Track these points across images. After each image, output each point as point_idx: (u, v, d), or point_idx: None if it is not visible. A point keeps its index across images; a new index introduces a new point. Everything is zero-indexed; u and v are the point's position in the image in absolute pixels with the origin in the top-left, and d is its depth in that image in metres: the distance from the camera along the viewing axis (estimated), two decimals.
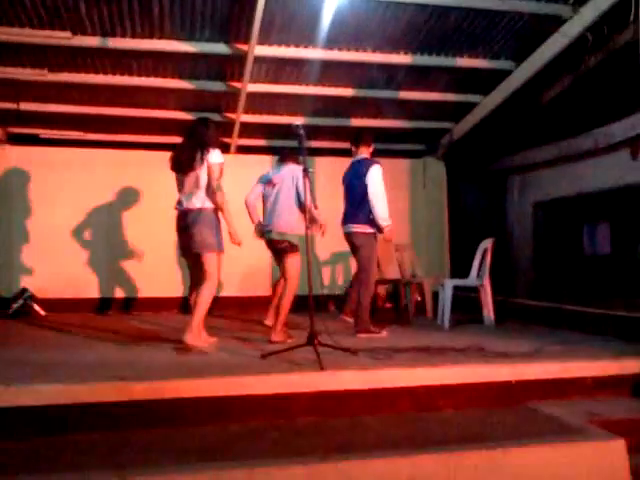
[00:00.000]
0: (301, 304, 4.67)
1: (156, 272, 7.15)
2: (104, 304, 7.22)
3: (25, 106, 6.68)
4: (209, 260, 4.16)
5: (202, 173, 4.15)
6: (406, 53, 5.98)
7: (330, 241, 7.40)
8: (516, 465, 2.60)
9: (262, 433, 2.80)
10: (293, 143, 4.50)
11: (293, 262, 4.62)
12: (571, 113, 6.35)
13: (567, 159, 6.66)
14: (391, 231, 5.01)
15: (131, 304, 7.30)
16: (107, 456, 2.47)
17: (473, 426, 2.95)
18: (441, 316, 5.66)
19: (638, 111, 5.57)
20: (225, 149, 7.57)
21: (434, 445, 2.62)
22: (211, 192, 4.14)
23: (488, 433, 2.83)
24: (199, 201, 4.17)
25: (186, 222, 4.20)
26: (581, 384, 3.46)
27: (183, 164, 4.22)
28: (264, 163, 5.88)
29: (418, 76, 6.46)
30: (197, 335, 4.11)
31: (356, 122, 7.43)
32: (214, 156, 4.16)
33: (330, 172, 7.32)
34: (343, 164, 5.39)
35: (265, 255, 5.24)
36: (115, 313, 7.10)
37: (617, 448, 2.71)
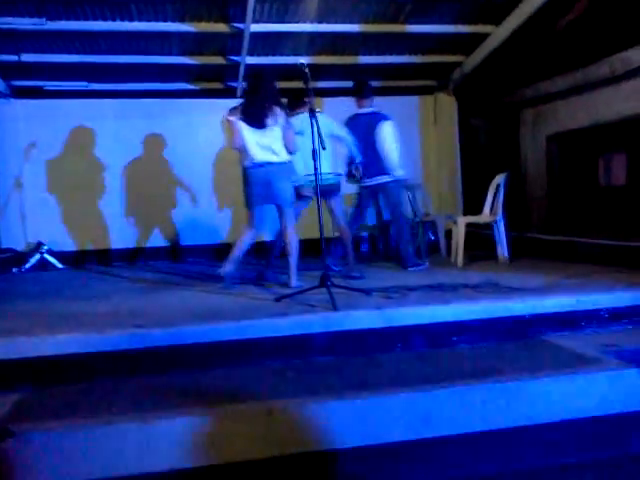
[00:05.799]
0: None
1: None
2: (112, 255, 7.29)
3: (27, 57, 6.56)
4: (288, 213, 4.47)
5: (281, 129, 4.36)
6: None
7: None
8: (531, 397, 2.63)
9: (280, 373, 2.86)
10: (299, 84, 4.41)
11: None
12: (587, 39, 6.10)
13: (582, 89, 6.44)
14: None
15: (139, 254, 7.36)
16: (128, 401, 2.53)
17: (487, 361, 2.98)
18: (454, 254, 5.65)
19: None
20: (231, 93, 7.46)
21: (448, 381, 2.66)
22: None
23: (502, 367, 2.86)
24: (279, 155, 4.39)
25: (267, 175, 4.37)
26: (595, 316, 3.47)
27: (264, 119, 4.34)
28: None
29: (426, 8, 6.20)
30: None
31: (364, 59, 7.23)
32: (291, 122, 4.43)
33: (339, 113, 7.21)
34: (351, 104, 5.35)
35: None
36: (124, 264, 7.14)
37: (631, 377, 2.73)
